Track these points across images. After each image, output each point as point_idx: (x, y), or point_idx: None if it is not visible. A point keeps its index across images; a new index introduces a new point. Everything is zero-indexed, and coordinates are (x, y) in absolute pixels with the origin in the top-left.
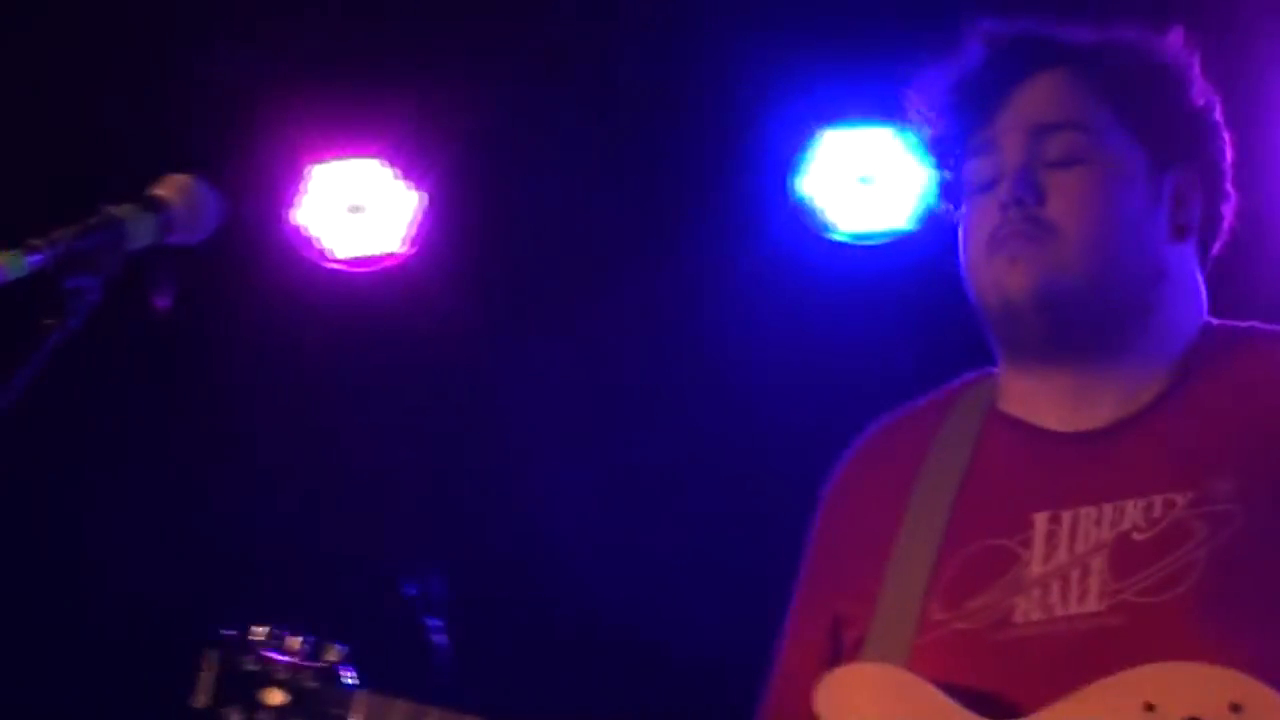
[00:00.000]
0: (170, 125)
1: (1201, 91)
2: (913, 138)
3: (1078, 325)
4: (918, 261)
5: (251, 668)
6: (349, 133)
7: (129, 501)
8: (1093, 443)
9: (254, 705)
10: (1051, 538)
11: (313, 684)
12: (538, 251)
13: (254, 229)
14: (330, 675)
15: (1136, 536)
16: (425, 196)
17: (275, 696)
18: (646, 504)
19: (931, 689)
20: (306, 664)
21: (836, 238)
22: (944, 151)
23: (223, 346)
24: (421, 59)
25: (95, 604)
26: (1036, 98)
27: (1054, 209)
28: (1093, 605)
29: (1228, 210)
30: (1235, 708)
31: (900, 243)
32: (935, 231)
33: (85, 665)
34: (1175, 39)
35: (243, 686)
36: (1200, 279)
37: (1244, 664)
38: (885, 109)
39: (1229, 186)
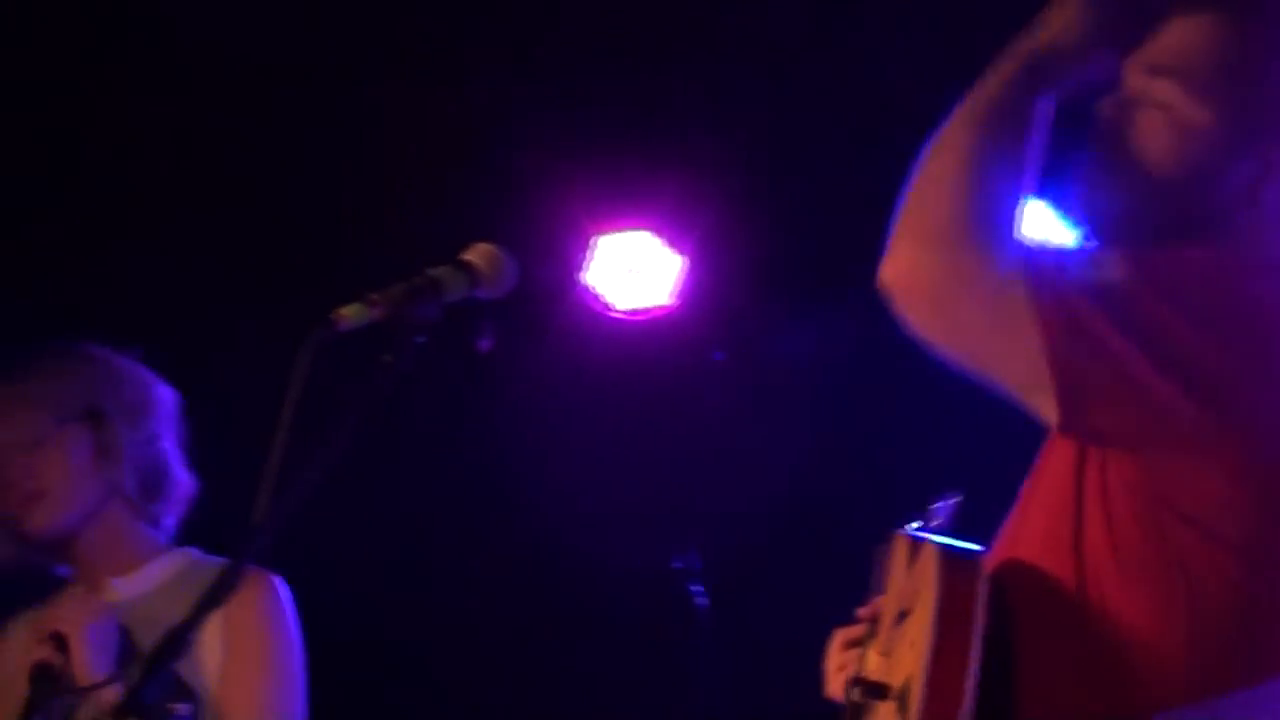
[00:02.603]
0: (481, 206)
1: None
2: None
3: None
4: None
5: None
6: (626, 210)
7: (443, 523)
8: None
9: None
10: None
11: None
12: (778, 300)
13: (554, 288)
14: None
15: None
16: (686, 259)
17: None
18: None
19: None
20: None
21: None
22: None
23: (527, 380)
24: (680, 149)
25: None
26: (1172, 36)
27: (1132, 143)
28: None
29: None
30: None
31: None
32: None
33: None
34: None
35: None
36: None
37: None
38: None
39: None
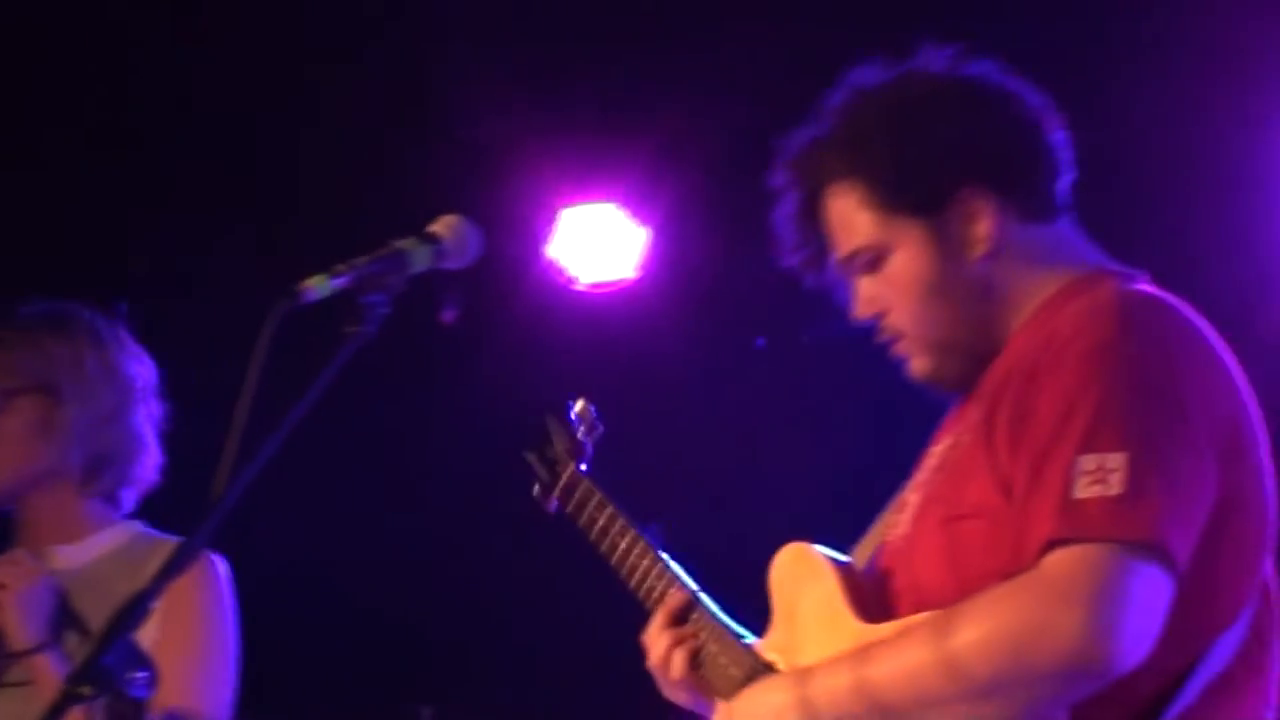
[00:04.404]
0: (447, 179)
1: (946, 118)
2: None
3: (960, 378)
4: None
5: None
6: (591, 182)
7: (407, 491)
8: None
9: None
10: (924, 467)
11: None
12: (741, 275)
13: (518, 261)
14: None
15: (936, 472)
16: (650, 231)
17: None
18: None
19: (831, 576)
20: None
21: None
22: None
23: (489, 353)
24: (646, 122)
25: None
26: (832, 228)
27: (889, 320)
28: (904, 530)
29: (1034, 160)
30: None
31: None
32: None
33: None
34: (912, 83)
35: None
36: (1042, 242)
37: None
38: None
39: (1020, 149)
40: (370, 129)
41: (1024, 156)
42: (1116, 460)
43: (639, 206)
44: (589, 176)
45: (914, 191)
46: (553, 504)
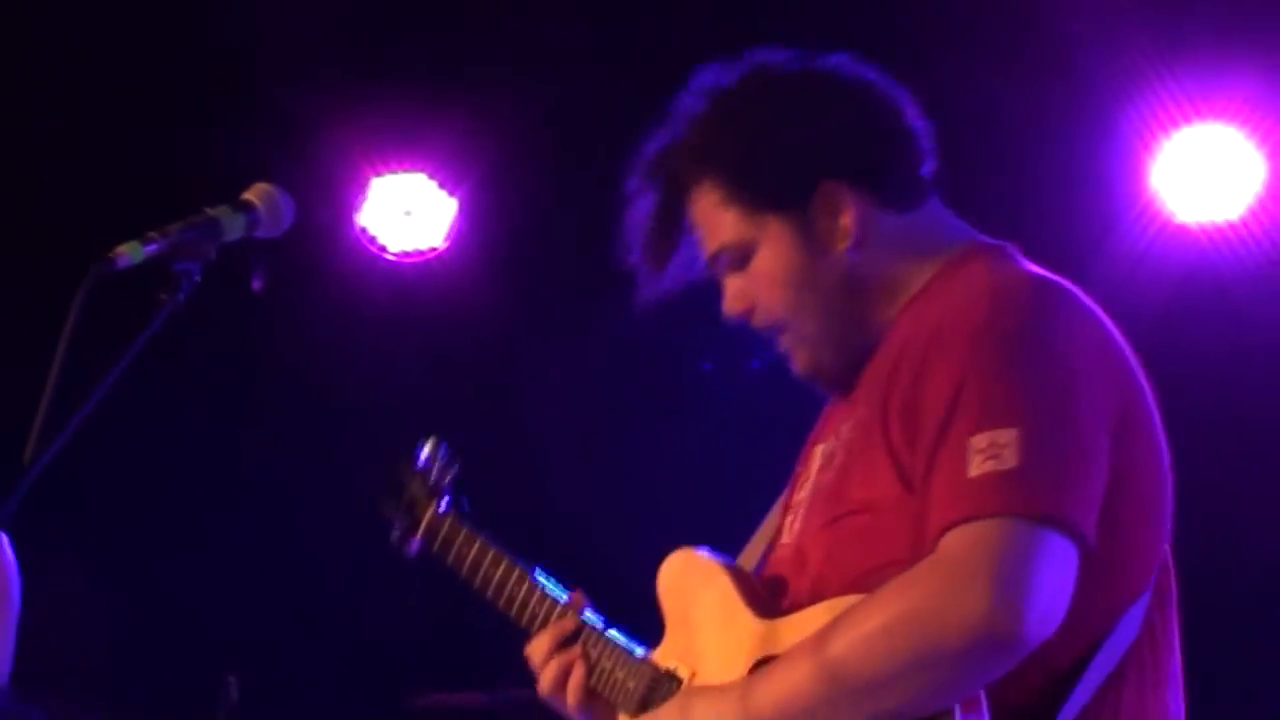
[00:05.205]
0: (259, 147)
1: (802, 114)
2: None
3: (838, 373)
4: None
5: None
6: (401, 152)
7: (217, 456)
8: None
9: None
10: (808, 468)
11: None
12: (549, 246)
13: (329, 230)
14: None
15: (823, 471)
16: (458, 202)
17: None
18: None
19: (724, 577)
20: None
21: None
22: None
23: (299, 321)
24: (455, 95)
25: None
26: (697, 228)
27: (760, 315)
28: (796, 531)
29: (893, 149)
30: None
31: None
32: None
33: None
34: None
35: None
36: (910, 229)
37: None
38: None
39: (878, 139)
40: (183, 95)
41: (882, 147)
42: (1008, 435)
43: (448, 177)
44: (399, 146)
45: (774, 188)
46: (414, 546)
